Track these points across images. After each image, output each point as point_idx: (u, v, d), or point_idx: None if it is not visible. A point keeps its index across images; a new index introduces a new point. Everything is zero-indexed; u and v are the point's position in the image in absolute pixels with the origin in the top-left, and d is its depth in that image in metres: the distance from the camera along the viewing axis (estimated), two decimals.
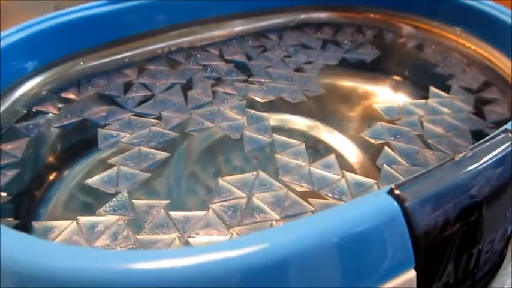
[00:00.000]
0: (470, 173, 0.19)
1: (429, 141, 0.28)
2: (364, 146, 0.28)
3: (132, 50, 0.33)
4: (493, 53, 0.34)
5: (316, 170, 0.25)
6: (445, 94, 0.32)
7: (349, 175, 0.25)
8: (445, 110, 0.31)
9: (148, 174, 0.25)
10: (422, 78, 0.36)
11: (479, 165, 0.19)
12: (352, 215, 0.16)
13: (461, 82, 0.33)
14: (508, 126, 0.21)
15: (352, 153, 0.28)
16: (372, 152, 0.27)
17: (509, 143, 0.20)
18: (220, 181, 0.24)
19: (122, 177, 0.25)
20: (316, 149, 0.28)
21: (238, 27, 0.38)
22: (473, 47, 0.35)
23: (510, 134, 0.21)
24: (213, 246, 0.14)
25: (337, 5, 0.40)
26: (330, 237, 0.15)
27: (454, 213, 0.18)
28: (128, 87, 0.31)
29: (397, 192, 0.17)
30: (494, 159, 0.19)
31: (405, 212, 0.17)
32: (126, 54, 0.33)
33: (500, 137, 0.20)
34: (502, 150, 0.20)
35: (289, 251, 0.15)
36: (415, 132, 0.28)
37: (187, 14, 0.36)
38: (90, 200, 0.25)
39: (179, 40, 0.35)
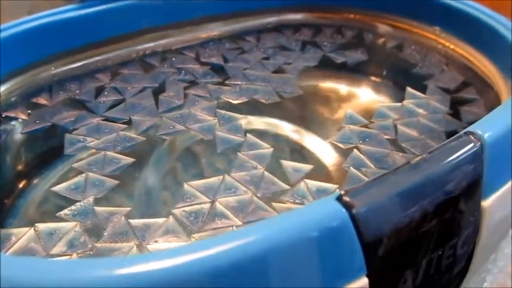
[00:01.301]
0: (427, 177, 0.18)
1: (403, 144, 0.28)
2: (334, 149, 0.28)
3: (105, 54, 0.33)
4: (472, 52, 0.33)
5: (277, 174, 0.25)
6: (421, 95, 0.31)
7: (310, 181, 0.24)
8: (420, 111, 0.30)
9: (117, 181, 0.25)
10: (401, 78, 0.35)
11: (436, 170, 0.18)
12: (297, 221, 0.16)
13: (439, 82, 0.33)
14: (471, 128, 0.20)
15: (322, 156, 0.28)
16: (341, 155, 0.27)
17: (471, 145, 0.20)
18: (186, 186, 0.24)
19: (89, 184, 0.25)
20: (284, 151, 0.28)
21: (215, 29, 0.37)
22: (452, 46, 0.35)
23: (472, 137, 0.20)
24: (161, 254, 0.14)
25: (315, 5, 0.39)
26: (269, 245, 0.15)
27: (409, 219, 0.17)
28: (99, 91, 0.31)
29: (345, 198, 0.17)
30: (453, 163, 0.19)
31: (353, 218, 0.16)
32: (99, 58, 0.33)
33: (461, 139, 0.20)
34: (462, 154, 0.19)
35: (224, 261, 0.14)
36: (386, 136, 0.28)
37: (163, 17, 0.35)
38: (60, 208, 0.25)
39: (154, 43, 0.35)
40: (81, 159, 0.27)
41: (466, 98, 0.31)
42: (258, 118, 0.30)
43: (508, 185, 0.21)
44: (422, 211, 0.18)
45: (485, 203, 0.20)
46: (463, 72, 0.33)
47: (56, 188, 0.25)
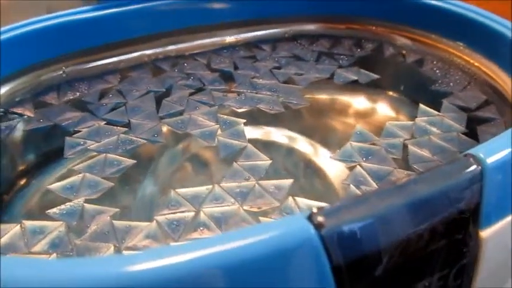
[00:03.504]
0: (413, 200, 0.17)
1: (414, 166, 0.26)
2: (335, 165, 0.27)
3: (117, 56, 0.33)
4: (497, 71, 0.31)
5: (268, 187, 0.24)
6: (435, 112, 0.30)
7: (299, 198, 0.23)
8: (433, 129, 0.29)
9: (112, 183, 0.25)
10: (419, 95, 0.33)
11: (425, 193, 0.17)
12: (260, 238, 0.15)
13: (459, 100, 0.31)
14: (472, 150, 0.19)
15: (321, 171, 0.27)
16: (343, 171, 0.26)
17: (469, 169, 0.18)
18: (172, 193, 0.24)
19: (84, 185, 0.25)
20: (282, 163, 0.27)
21: (231, 36, 0.37)
22: (476, 63, 0.33)
23: (471, 159, 0.18)
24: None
25: (336, 15, 0.38)
26: (226, 258, 0.14)
27: (389, 244, 0.16)
28: (105, 93, 0.31)
29: (317, 217, 0.15)
30: (445, 186, 0.17)
31: (323, 240, 0.15)
32: (111, 60, 0.33)
33: (458, 161, 0.18)
34: (458, 177, 0.18)
35: (178, 272, 0.13)
36: (393, 156, 0.26)
37: (179, 21, 0.35)
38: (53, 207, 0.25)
39: (167, 48, 0.35)
40: (82, 162, 0.27)
41: (484, 117, 0.29)
42: (258, 128, 0.30)
43: (510, 218, 0.19)
44: (405, 237, 0.16)
45: (484, 233, 0.19)
46: (486, 91, 0.31)
47: (52, 187, 0.25)
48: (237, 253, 0.14)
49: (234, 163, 0.26)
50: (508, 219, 0.19)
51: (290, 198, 0.23)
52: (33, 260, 0.15)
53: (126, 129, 0.28)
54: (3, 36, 0.30)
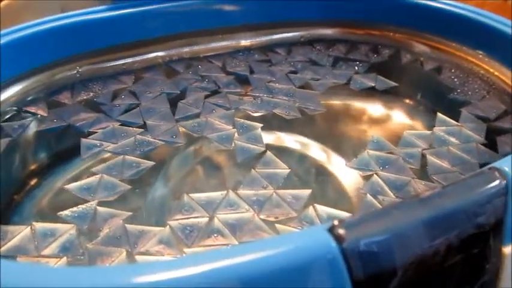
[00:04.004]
0: (436, 213, 0.16)
1: (433, 177, 0.25)
2: (352, 173, 0.26)
3: (132, 57, 0.33)
4: None
5: (286, 197, 0.24)
6: (453, 122, 0.29)
7: (320, 206, 0.23)
8: (452, 139, 0.28)
9: (129, 186, 0.25)
10: (436, 103, 0.33)
11: (449, 207, 0.17)
12: (280, 250, 0.14)
13: (478, 110, 0.30)
14: (497, 164, 0.18)
15: (338, 179, 0.26)
16: (360, 180, 0.25)
17: (494, 183, 0.18)
18: (186, 197, 0.23)
19: (101, 186, 0.24)
20: (299, 170, 0.27)
21: (246, 39, 0.37)
22: (496, 73, 0.32)
23: (496, 173, 0.18)
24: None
25: (353, 20, 0.38)
26: (244, 271, 0.13)
27: (409, 258, 0.16)
28: (117, 94, 0.31)
29: (338, 230, 0.15)
30: (470, 200, 0.17)
31: (344, 253, 0.15)
32: (126, 61, 0.33)
33: (483, 175, 0.18)
34: (483, 191, 0.17)
35: (200, 284, 0.13)
36: (410, 166, 0.26)
37: (195, 23, 0.35)
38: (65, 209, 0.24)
39: (182, 49, 0.35)
40: (99, 163, 0.26)
41: (504, 128, 0.28)
42: (272, 133, 0.29)
43: None
44: (427, 250, 0.16)
45: (507, 249, 0.18)
46: (505, 101, 0.30)
47: (69, 187, 0.24)
48: (256, 265, 0.14)
49: (253, 170, 0.25)
50: None
51: (311, 207, 0.23)
52: (34, 267, 0.14)
53: (142, 130, 0.28)
54: (18, 35, 0.29)
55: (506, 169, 0.18)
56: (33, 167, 0.27)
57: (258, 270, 0.14)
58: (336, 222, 0.15)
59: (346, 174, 0.26)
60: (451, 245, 0.17)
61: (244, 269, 0.13)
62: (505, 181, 0.17)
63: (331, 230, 0.15)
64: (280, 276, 0.14)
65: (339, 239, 0.15)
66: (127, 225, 0.22)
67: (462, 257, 0.17)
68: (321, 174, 0.27)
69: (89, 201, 0.23)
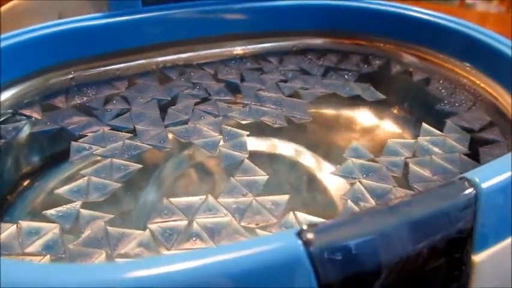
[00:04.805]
0: (404, 221, 0.17)
1: (414, 185, 0.26)
2: (335, 181, 0.27)
3: (126, 63, 0.34)
4: (502, 93, 0.31)
5: (265, 203, 0.24)
6: (437, 132, 0.30)
7: (301, 213, 0.23)
8: (435, 149, 0.28)
9: (119, 185, 0.25)
10: (423, 113, 0.33)
11: (417, 215, 0.17)
12: (247, 252, 0.15)
13: (463, 121, 0.31)
14: (467, 174, 0.19)
15: (321, 186, 0.27)
16: (343, 187, 0.26)
17: (463, 193, 0.18)
18: (165, 201, 0.24)
19: (91, 188, 0.25)
20: (282, 177, 0.27)
21: (238, 48, 0.37)
22: (482, 85, 0.32)
23: (466, 183, 0.18)
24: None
25: (345, 31, 0.38)
26: (209, 273, 0.14)
27: (378, 265, 0.16)
28: (110, 99, 0.32)
29: (307, 234, 0.16)
30: (438, 209, 0.17)
31: (311, 257, 0.15)
32: (120, 66, 0.34)
33: (453, 185, 0.18)
34: (451, 201, 0.18)
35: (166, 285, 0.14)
36: (393, 174, 0.26)
37: (189, 31, 0.36)
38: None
39: (176, 56, 0.35)
40: (88, 166, 0.27)
41: (488, 139, 0.29)
42: (260, 140, 0.30)
43: (507, 243, 0.19)
44: (394, 258, 0.16)
45: (477, 257, 0.18)
46: (491, 113, 0.31)
47: (59, 191, 0.25)
48: (221, 267, 0.14)
49: (232, 178, 0.26)
50: (506, 242, 0.19)
51: (291, 214, 0.23)
52: (28, 264, 0.15)
53: (131, 135, 0.29)
54: (15, 40, 0.30)
55: (477, 179, 0.18)
56: (26, 168, 0.28)
57: (222, 273, 0.14)
58: (304, 227, 0.16)
59: (332, 181, 0.27)
60: (420, 254, 0.17)
61: (208, 271, 0.14)
62: (474, 191, 0.18)
63: (300, 234, 0.15)
64: (247, 278, 0.14)
65: (306, 243, 0.15)
66: (108, 228, 0.22)
67: (431, 268, 0.17)
68: (307, 180, 0.28)
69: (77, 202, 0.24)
